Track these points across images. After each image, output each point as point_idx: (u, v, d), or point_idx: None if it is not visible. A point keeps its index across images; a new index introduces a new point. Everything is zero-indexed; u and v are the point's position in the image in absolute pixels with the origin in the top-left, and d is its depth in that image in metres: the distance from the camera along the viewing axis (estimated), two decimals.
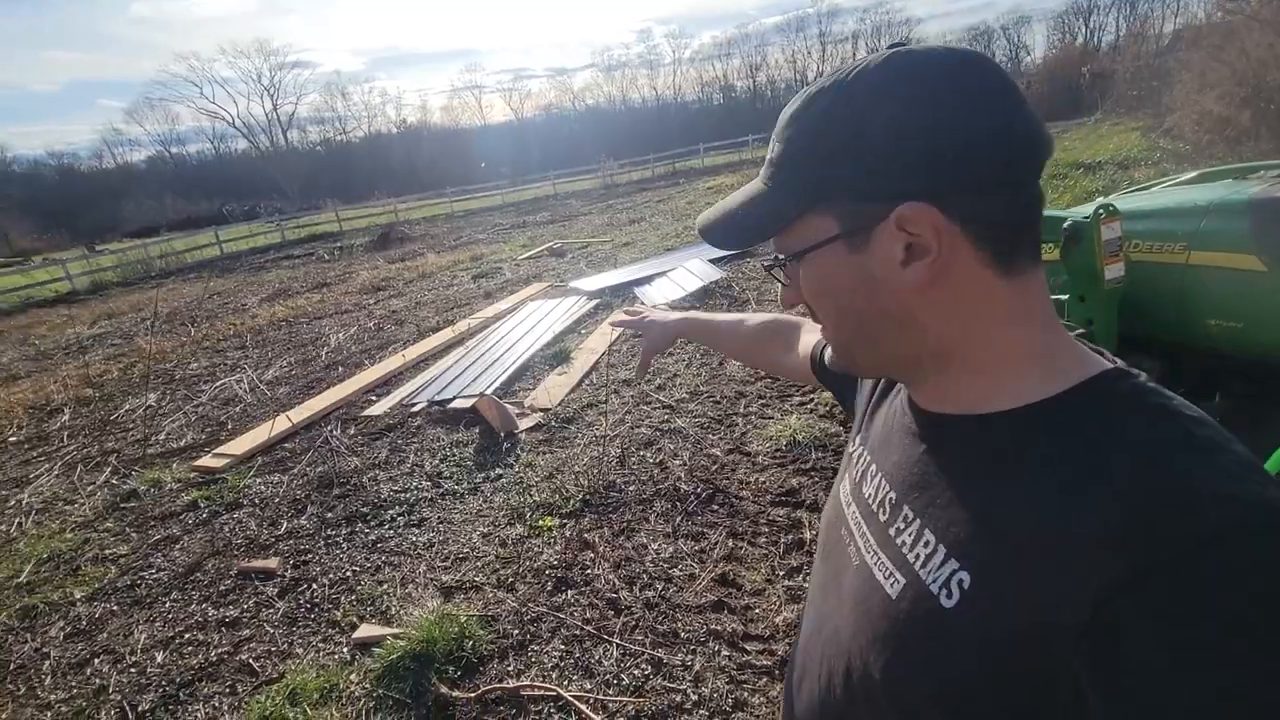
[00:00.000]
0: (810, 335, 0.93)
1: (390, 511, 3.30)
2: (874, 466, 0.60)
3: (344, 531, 3.18)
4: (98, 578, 3.08)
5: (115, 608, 2.85)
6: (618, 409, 4.14)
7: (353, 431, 4.42)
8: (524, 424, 4.08)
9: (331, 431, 4.40)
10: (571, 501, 3.08)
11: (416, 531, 3.10)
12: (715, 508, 2.93)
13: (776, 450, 3.32)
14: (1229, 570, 0.35)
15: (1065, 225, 1.90)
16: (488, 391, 4.53)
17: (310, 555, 3.03)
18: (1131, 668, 0.35)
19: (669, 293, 6.65)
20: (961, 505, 0.48)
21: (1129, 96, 13.41)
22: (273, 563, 2.98)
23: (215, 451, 4.31)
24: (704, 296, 6.36)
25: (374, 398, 5.04)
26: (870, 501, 0.58)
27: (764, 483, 3.07)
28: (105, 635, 2.68)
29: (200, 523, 3.49)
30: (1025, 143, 0.46)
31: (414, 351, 5.95)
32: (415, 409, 4.59)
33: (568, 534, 2.86)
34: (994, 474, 0.47)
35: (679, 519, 2.87)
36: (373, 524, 3.22)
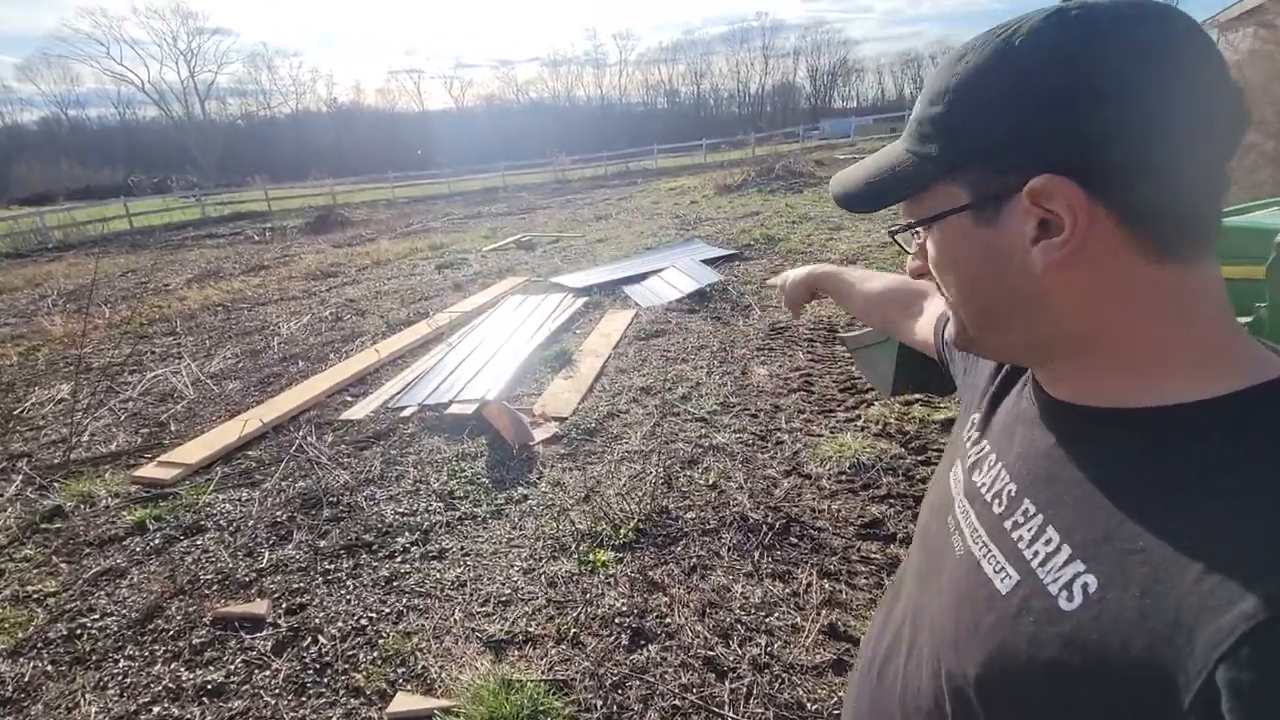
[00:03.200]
0: (935, 304, 0.89)
1: (400, 539, 2.78)
2: (993, 456, 0.58)
3: (346, 565, 2.64)
4: (20, 624, 2.42)
5: (49, 667, 2.22)
6: (643, 420, 3.74)
7: (331, 438, 3.81)
8: (539, 435, 3.62)
9: (305, 438, 3.78)
10: (623, 531, 2.67)
11: (439, 565, 2.60)
12: (794, 540, 2.60)
13: (840, 473, 3.02)
14: None
15: None
16: (490, 396, 4.03)
17: (307, 596, 2.48)
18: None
19: (663, 294, 6.29)
20: (1093, 505, 0.45)
21: None
22: (259, 606, 2.41)
23: (161, 459, 3.61)
24: (700, 300, 6.04)
25: (350, 398, 4.42)
26: (984, 491, 0.56)
27: (840, 511, 2.76)
28: (39, 708, 2.06)
29: (152, 550, 2.85)
30: (1212, 117, 0.40)
31: (389, 346, 5.33)
32: (405, 413, 4.03)
33: (630, 572, 2.45)
34: (1134, 475, 0.44)
35: (757, 554, 2.52)
36: (381, 555, 2.69)
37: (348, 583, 2.53)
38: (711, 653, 2.07)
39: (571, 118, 66.96)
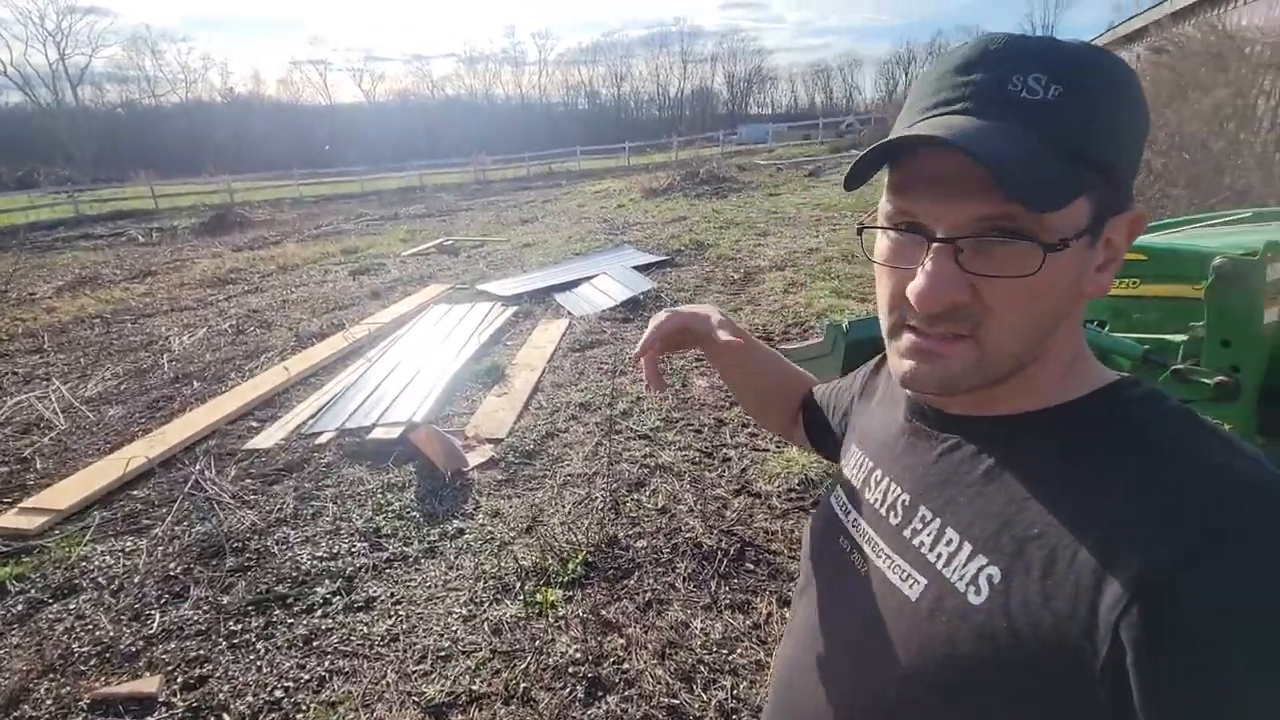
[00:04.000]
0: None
1: (319, 589, 2.48)
2: (878, 471, 0.60)
3: (255, 624, 2.32)
4: None
5: None
6: (584, 439, 3.57)
7: (233, 472, 3.41)
8: (474, 459, 3.37)
9: (203, 472, 3.36)
10: (571, 565, 2.50)
11: (366, 617, 2.33)
12: (750, 566, 2.51)
13: (789, 490, 2.97)
14: None
15: (1218, 262, 1.74)
16: (418, 418, 3.74)
17: (209, 665, 2.16)
18: (1192, 635, 0.35)
19: (597, 302, 6.13)
20: (987, 501, 0.48)
21: None
22: (149, 682, 2.07)
23: (23, 505, 3.11)
24: (635, 308, 5.92)
25: (256, 424, 3.99)
26: (877, 506, 0.58)
27: (793, 531, 2.70)
28: None
29: (14, 619, 2.41)
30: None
31: (300, 363, 4.88)
32: (321, 440, 3.67)
33: (581, 612, 2.28)
34: (1020, 470, 0.48)
35: (714, 584, 2.41)
36: (297, 609, 2.39)
37: (258, 646, 2.22)
38: (675, 700, 1.93)
39: (491, 116, 65.47)
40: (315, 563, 2.63)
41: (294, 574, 2.57)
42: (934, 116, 0.46)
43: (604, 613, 2.28)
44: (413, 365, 4.64)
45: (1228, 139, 4.90)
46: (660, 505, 2.90)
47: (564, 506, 2.94)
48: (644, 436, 3.55)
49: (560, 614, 2.29)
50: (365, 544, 2.75)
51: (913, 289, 0.46)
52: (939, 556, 0.49)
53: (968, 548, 0.47)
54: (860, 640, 0.54)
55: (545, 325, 5.59)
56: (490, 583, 2.47)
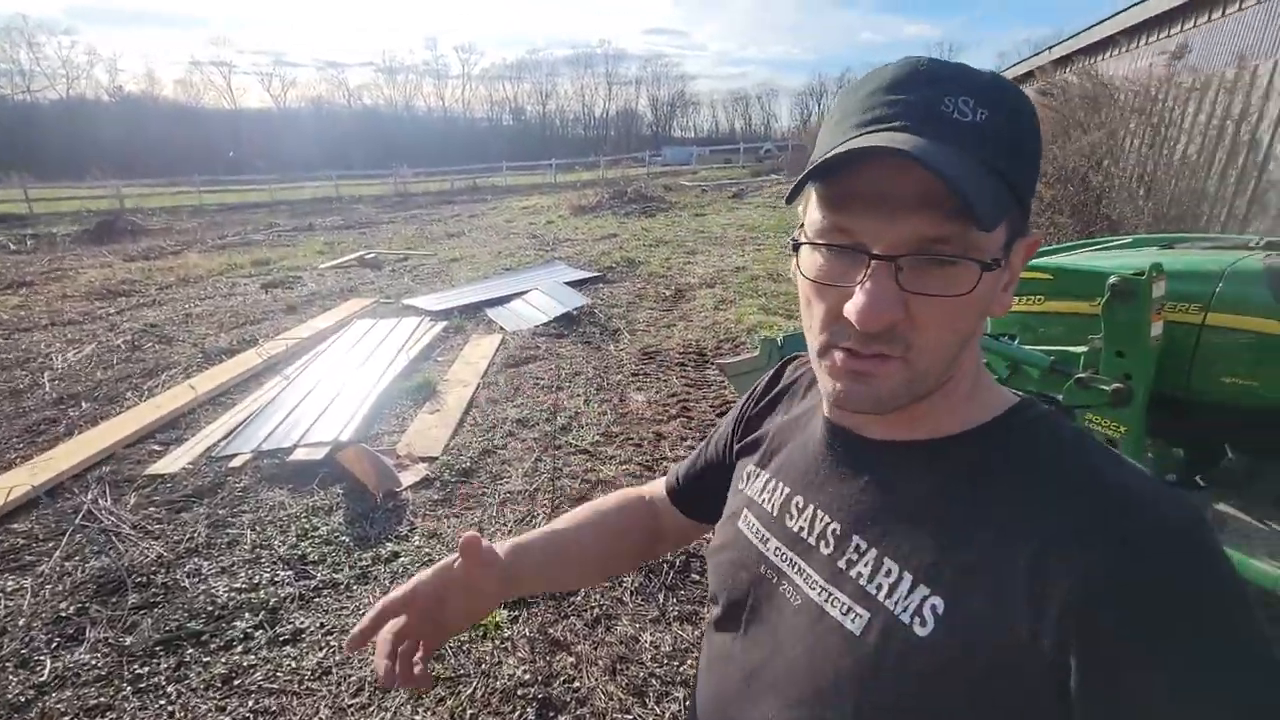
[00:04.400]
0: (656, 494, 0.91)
1: (239, 623, 2.29)
2: (799, 498, 0.58)
3: (165, 665, 2.12)
4: None
5: None
6: (523, 455, 3.50)
7: (134, 500, 3.11)
8: (407, 479, 3.24)
9: (96, 500, 3.05)
10: None
11: (294, 651, 2.17)
12: (695, 577, 2.53)
13: None
14: (1200, 552, 0.41)
15: (1113, 281, 1.94)
16: (344, 437, 3.55)
17: (110, 714, 1.94)
18: (1132, 635, 0.39)
19: (530, 317, 6.06)
20: (923, 530, 0.48)
21: None
22: None
23: None
24: (568, 323, 5.89)
25: (158, 446, 3.66)
26: (803, 535, 0.56)
27: None
28: None
29: None
30: None
31: (207, 382, 4.53)
32: (235, 463, 3.41)
33: (529, 632, 2.23)
34: (950, 496, 0.49)
35: (661, 596, 2.41)
36: (214, 647, 2.20)
37: (169, 689, 2.03)
38: (628, 715, 1.91)
39: (412, 128, 63.86)
40: (233, 595, 2.43)
41: (209, 608, 2.36)
42: (872, 132, 0.45)
43: (552, 631, 2.24)
44: (337, 382, 4.41)
45: (1104, 173, 5.48)
46: None
47: (505, 525, 2.86)
48: (584, 451, 3.53)
49: (506, 635, 2.22)
50: (290, 572, 2.57)
51: (853, 307, 0.45)
52: (879, 588, 0.48)
53: (908, 578, 0.47)
54: (800, 675, 0.51)
55: (478, 340, 5.47)
56: None
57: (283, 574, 2.56)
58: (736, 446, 0.73)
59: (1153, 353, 1.95)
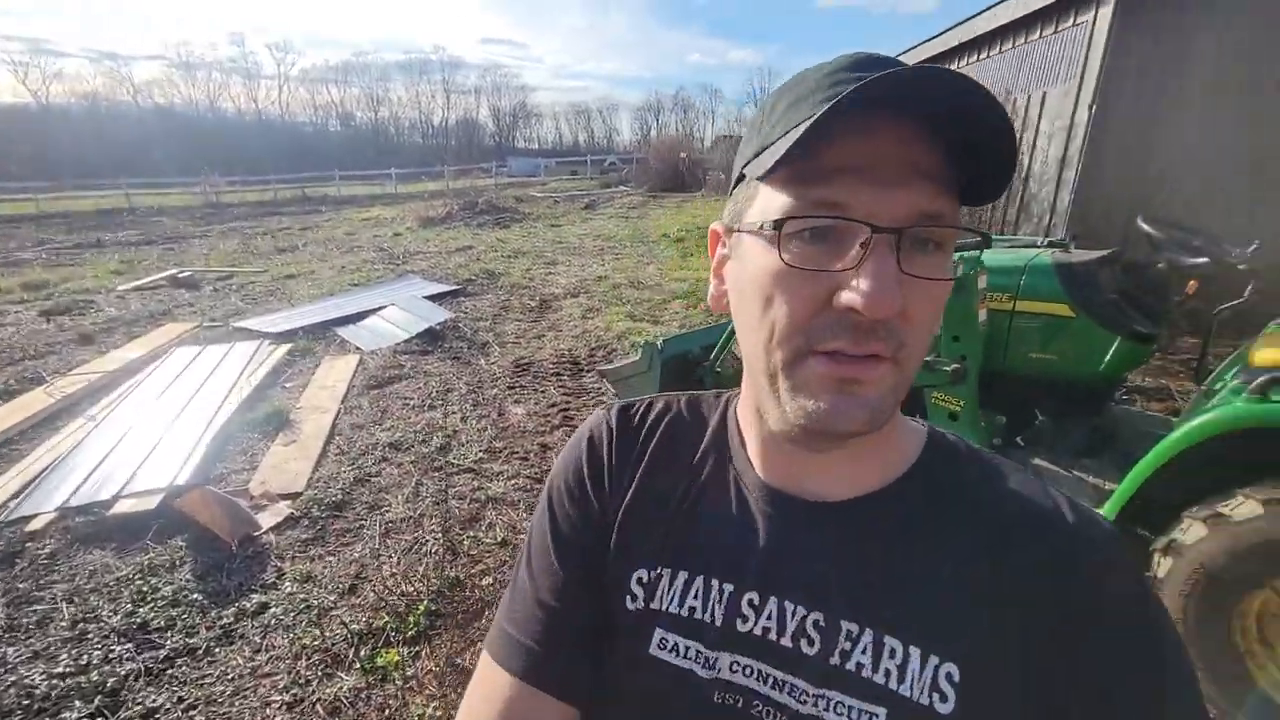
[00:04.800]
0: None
1: (69, 715, 1.90)
2: (753, 595, 0.47)
3: None
4: None
5: None
6: (401, 481, 3.27)
7: None
8: (266, 520, 2.89)
9: None
10: (412, 619, 2.27)
11: None
12: None
13: None
14: (1131, 564, 0.44)
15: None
16: (181, 480, 3.09)
17: None
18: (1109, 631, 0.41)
19: (388, 335, 5.68)
20: (906, 589, 0.44)
21: (721, 180, 17.32)
22: None
23: None
24: (433, 339, 5.61)
25: None
26: (772, 638, 0.45)
27: None
28: None
29: None
30: None
31: None
32: (35, 524, 2.82)
33: (434, 666, 2.09)
34: (917, 546, 0.45)
35: None
36: None
37: None
38: None
39: (220, 132, 56.97)
40: (56, 682, 2.01)
41: (25, 702, 1.93)
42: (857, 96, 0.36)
43: (460, 660, 2.11)
44: (162, 420, 3.82)
45: None
46: (500, 538, 2.77)
47: (391, 557, 2.66)
48: (469, 470, 3.38)
49: (409, 674, 2.06)
50: (129, 644, 2.18)
51: (857, 292, 0.38)
52: (888, 674, 0.42)
53: (915, 651, 0.42)
54: None
55: (331, 362, 5.01)
56: (316, 657, 2.13)
57: (119, 648, 2.16)
58: (600, 551, 0.53)
59: (981, 336, 2.30)
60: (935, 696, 0.41)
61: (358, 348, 5.41)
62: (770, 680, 0.45)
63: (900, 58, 0.45)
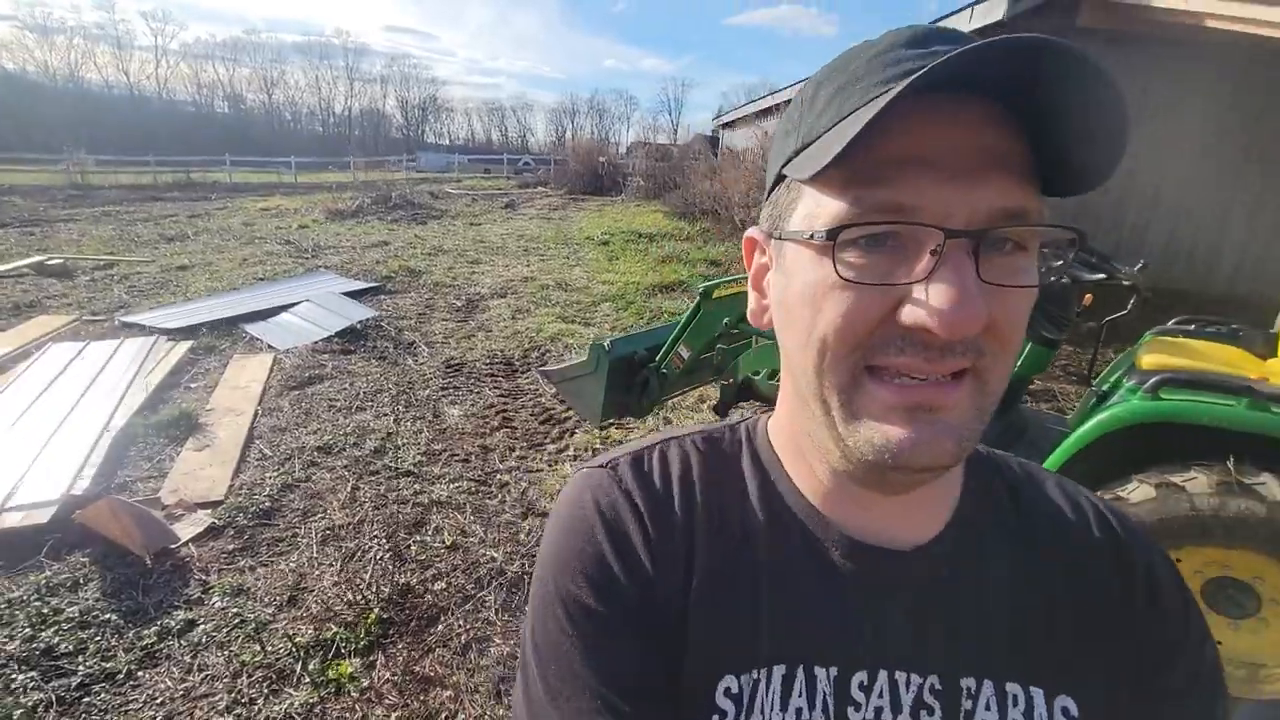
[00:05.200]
0: None
1: None
2: (862, 675, 0.41)
3: None
4: None
5: None
6: (335, 486, 3.11)
7: None
8: (185, 531, 2.66)
9: None
10: (363, 628, 2.17)
11: None
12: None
13: None
14: (1175, 573, 0.47)
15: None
16: (78, 489, 2.79)
17: None
18: (1191, 628, 0.45)
19: (305, 332, 5.35)
20: (1014, 630, 0.42)
21: (643, 187, 17.53)
22: None
23: None
24: (355, 338, 5.34)
25: None
26: (894, 717, 0.40)
27: None
28: None
29: None
30: None
31: None
32: None
33: (392, 675, 2.01)
34: (1006, 574, 0.43)
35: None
36: None
37: None
38: None
39: (83, 105, 51.06)
40: None
41: None
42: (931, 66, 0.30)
43: (418, 669, 2.05)
44: (45, 424, 3.41)
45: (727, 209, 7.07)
46: (449, 542, 2.70)
47: (333, 565, 2.53)
48: (408, 474, 3.26)
49: (365, 685, 1.98)
50: (33, 673, 1.95)
51: (935, 309, 0.33)
52: None
53: (1038, 692, 0.40)
54: None
55: (242, 361, 4.66)
56: (259, 674, 1.99)
57: (22, 677, 1.93)
58: (662, 664, 0.42)
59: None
60: None
61: (271, 346, 5.06)
62: None
63: (799, 84, 0.44)
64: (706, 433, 0.51)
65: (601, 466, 0.49)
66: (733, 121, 16.95)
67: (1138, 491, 1.90)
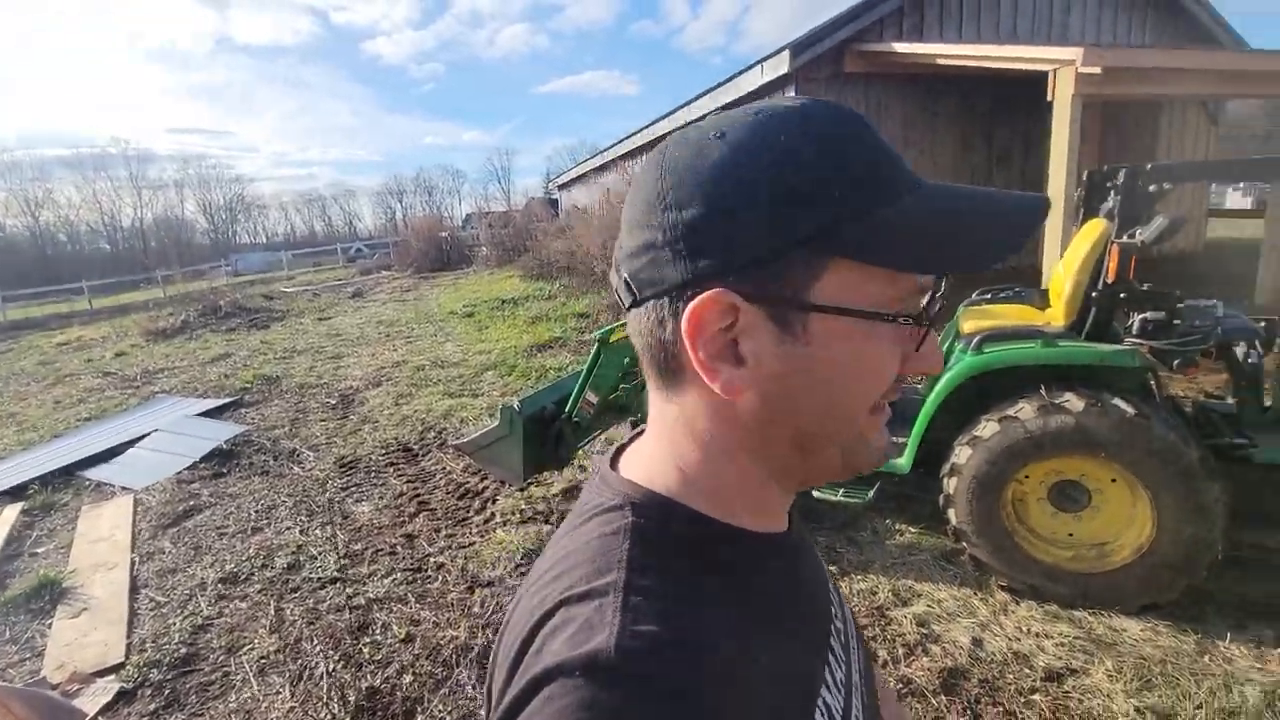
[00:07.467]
0: None
1: None
2: (833, 638, 0.49)
3: None
4: None
5: None
6: (256, 613, 2.88)
7: None
8: (91, 704, 2.35)
9: None
10: None
11: None
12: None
13: (518, 567, 3.08)
14: None
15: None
16: None
17: None
18: None
19: (163, 465, 4.82)
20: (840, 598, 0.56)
21: (492, 255, 17.67)
22: None
23: None
24: (225, 460, 4.90)
25: None
26: (853, 669, 0.51)
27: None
28: None
29: None
30: None
31: None
32: None
33: None
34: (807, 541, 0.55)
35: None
36: None
37: None
38: None
39: None
40: None
41: None
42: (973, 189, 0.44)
43: None
44: None
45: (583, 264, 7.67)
46: (402, 634, 2.63)
47: (281, 692, 2.36)
48: (334, 580, 3.10)
49: None
50: None
51: (931, 357, 0.44)
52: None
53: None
54: None
55: (95, 511, 4.12)
56: None
57: None
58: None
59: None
60: None
61: (125, 487, 4.51)
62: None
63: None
64: (623, 561, 0.40)
65: (594, 679, 0.33)
66: (568, 182, 17.71)
67: (987, 428, 2.37)
